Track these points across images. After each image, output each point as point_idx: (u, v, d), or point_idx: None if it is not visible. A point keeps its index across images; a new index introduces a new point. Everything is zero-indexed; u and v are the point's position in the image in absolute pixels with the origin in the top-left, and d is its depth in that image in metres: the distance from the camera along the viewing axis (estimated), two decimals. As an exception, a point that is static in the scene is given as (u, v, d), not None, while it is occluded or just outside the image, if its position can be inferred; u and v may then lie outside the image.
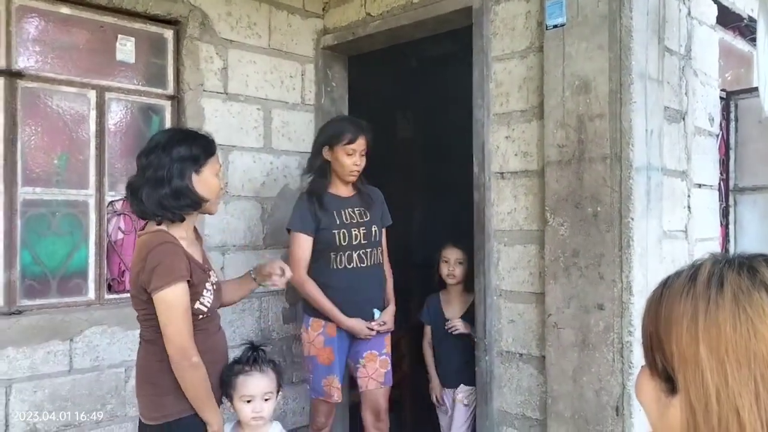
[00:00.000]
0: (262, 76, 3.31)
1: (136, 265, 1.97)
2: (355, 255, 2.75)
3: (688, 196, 2.84)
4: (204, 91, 3.09)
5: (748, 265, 0.69)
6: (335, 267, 2.75)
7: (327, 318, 2.77)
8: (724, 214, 3.20)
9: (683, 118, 2.80)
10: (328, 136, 2.77)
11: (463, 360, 3.03)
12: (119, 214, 2.97)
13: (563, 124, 2.50)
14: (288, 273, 2.29)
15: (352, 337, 2.81)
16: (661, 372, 0.72)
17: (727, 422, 0.64)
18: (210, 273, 2.11)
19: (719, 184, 3.16)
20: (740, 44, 3.48)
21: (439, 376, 3.16)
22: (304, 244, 2.75)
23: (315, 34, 3.56)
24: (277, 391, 2.15)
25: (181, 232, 2.03)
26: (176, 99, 3.08)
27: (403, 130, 6.94)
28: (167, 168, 1.95)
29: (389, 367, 2.88)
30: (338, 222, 2.74)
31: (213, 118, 3.11)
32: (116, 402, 2.81)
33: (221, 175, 2.14)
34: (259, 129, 3.30)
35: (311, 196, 2.78)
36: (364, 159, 2.78)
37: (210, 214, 2.17)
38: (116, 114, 2.98)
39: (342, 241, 2.73)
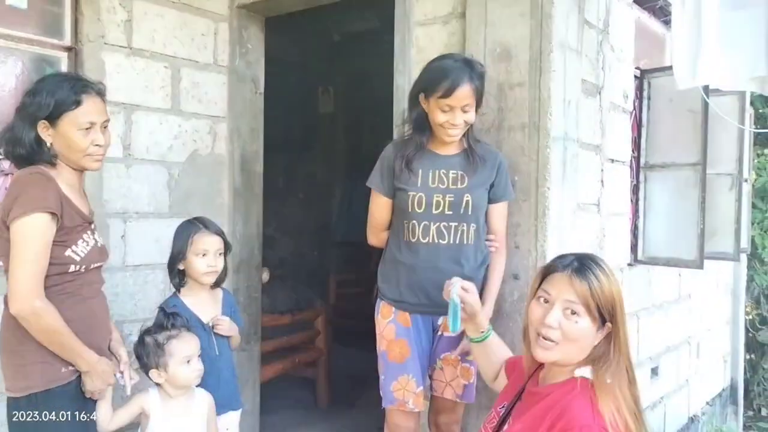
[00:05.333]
0: (171, 32, 3.08)
1: (3, 201, 1.80)
2: (433, 227, 2.17)
3: (602, 170, 2.88)
4: (105, 44, 2.85)
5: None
6: (407, 239, 2.22)
7: (399, 301, 2.25)
8: (635, 190, 3.28)
9: (599, 93, 2.82)
10: (423, 82, 2.18)
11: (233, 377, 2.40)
12: (6, 174, 2.70)
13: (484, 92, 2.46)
14: None
15: (435, 331, 2.26)
16: None
17: None
18: (93, 229, 1.93)
19: (631, 160, 3.23)
20: (654, 25, 3.56)
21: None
22: (379, 204, 2.31)
23: (230, -9, 3.36)
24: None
25: (63, 177, 1.85)
26: (74, 51, 2.83)
27: (324, 105, 6.81)
28: (23, 115, 1.83)
29: (472, 380, 2.26)
30: (420, 183, 2.19)
31: (115, 73, 2.87)
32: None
33: (96, 131, 1.86)
34: (166, 89, 3.08)
35: (399, 148, 2.26)
36: (470, 114, 2.13)
37: (90, 170, 1.94)
38: (4, 64, 2.70)
39: (416, 207, 2.17)
